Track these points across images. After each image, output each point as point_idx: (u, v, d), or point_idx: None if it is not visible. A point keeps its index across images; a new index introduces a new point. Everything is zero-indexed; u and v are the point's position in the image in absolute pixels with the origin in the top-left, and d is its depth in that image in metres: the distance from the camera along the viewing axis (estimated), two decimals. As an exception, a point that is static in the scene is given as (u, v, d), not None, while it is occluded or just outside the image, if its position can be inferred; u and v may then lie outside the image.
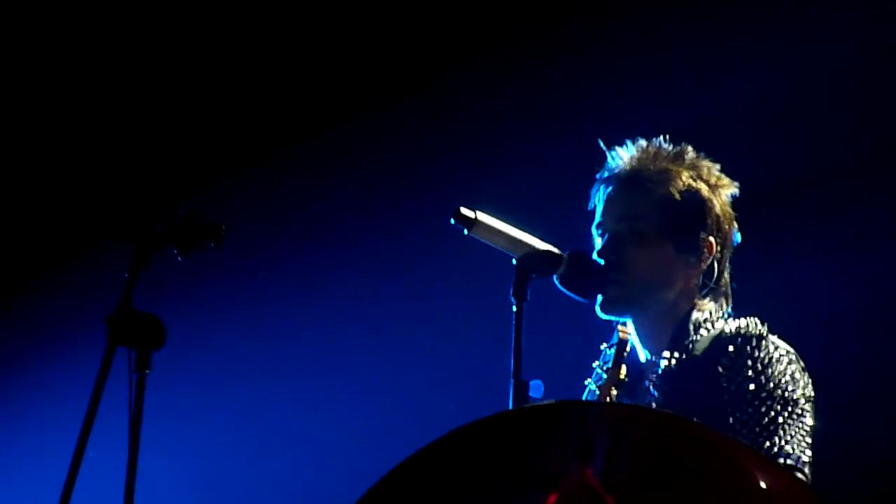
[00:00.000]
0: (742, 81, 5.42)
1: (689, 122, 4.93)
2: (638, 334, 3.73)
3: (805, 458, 3.44)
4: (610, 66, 5.60)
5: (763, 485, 2.48)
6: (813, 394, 3.53)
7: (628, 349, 3.41)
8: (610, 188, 3.77)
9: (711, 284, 3.73)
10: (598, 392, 3.37)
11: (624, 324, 3.68)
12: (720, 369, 3.51)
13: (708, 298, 3.73)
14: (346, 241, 5.88)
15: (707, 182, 3.73)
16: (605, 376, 3.39)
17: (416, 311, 5.79)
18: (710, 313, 3.68)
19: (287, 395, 5.86)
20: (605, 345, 3.47)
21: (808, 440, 3.47)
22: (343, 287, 5.86)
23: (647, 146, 3.79)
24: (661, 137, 3.81)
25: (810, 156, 5.36)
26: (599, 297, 3.66)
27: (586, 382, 3.46)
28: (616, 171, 3.78)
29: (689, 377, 3.56)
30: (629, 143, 3.81)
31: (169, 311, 3.32)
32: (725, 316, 3.70)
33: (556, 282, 3.53)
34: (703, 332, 3.63)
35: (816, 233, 5.34)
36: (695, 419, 2.56)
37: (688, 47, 5.46)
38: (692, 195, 3.70)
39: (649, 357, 3.71)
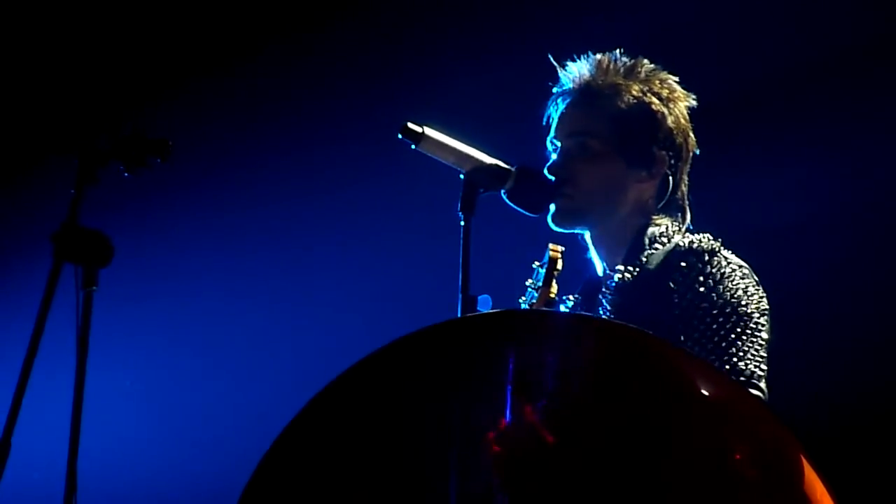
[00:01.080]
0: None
1: (647, 31, 4.91)
2: (595, 248, 3.75)
3: (759, 373, 3.43)
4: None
5: (707, 394, 2.48)
6: (767, 307, 3.52)
7: (559, 268, 3.43)
8: (562, 103, 3.76)
9: (666, 198, 3.72)
10: None
11: (582, 237, 3.69)
12: (672, 285, 3.50)
13: (665, 213, 3.72)
14: (292, 157, 5.85)
15: (658, 95, 3.71)
16: (536, 295, 3.41)
17: (364, 227, 5.78)
18: (667, 228, 3.67)
19: (233, 312, 5.86)
20: (536, 263, 3.48)
21: (763, 354, 3.45)
22: (290, 204, 5.84)
23: (601, 60, 3.77)
24: (617, 51, 3.79)
25: (771, 64, 5.35)
26: (551, 210, 3.66)
27: (520, 301, 3.48)
28: (568, 86, 3.76)
29: (641, 291, 3.55)
30: (583, 57, 3.79)
31: (116, 228, 3.30)
32: (683, 231, 3.70)
33: (504, 196, 3.53)
34: (657, 246, 3.62)
35: (775, 144, 5.34)
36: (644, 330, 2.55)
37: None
38: (642, 109, 3.68)
39: (606, 271, 3.71)
